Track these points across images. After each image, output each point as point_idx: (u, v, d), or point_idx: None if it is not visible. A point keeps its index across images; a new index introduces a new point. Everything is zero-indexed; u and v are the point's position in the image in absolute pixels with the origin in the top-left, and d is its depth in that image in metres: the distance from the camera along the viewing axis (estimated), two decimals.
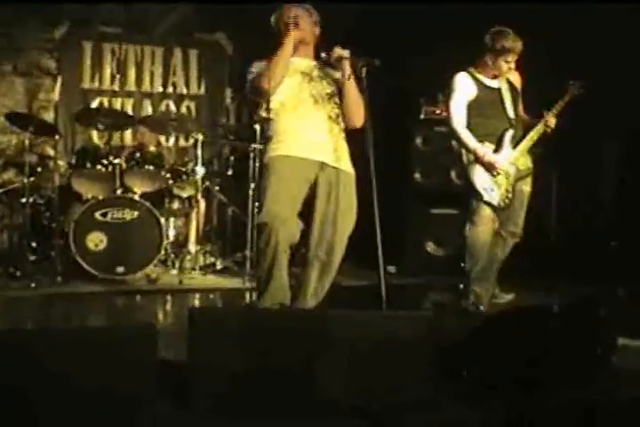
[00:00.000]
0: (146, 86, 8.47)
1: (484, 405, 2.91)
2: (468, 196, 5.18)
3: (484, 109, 5.14)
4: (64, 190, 6.67)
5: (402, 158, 7.08)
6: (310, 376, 2.71)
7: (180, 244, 7.32)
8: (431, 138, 7.07)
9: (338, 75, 4.46)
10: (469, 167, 5.12)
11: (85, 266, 6.23)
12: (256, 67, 4.45)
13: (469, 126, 5.09)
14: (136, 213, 6.47)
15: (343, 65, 4.31)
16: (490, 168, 5.04)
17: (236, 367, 2.71)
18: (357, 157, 4.42)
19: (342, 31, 4.33)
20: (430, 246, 7.14)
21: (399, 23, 6.97)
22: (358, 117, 4.39)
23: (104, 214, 6.38)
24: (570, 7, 6.11)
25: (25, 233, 6.67)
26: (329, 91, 4.47)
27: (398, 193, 6.19)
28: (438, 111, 6.96)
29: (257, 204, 6.36)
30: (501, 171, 5.06)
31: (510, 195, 5.12)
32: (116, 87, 8.35)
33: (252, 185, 6.34)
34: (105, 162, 6.65)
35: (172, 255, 6.97)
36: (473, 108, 5.13)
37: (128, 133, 8.07)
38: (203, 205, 7.23)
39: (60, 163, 6.97)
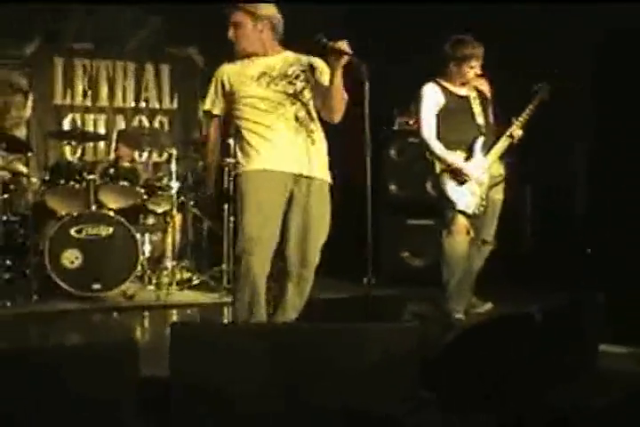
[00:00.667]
0: (118, 102, 8.47)
1: (469, 415, 2.91)
2: (443, 206, 5.18)
3: (453, 118, 5.16)
4: (38, 207, 6.63)
5: (376, 169, 7.08)
6: (297, 391, 2.70)
7: (157, 259, 7.28)
8: (405, 149, 7.09)
9: (304, 66, 4.33)
10: (442, 177, 5.14)
11: (61, 284, 6.17)
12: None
13: (440, 135, 5.12)
14: (111, 230, 6.42)
15: (338, 60, 4.01)
16: (458, 175, 5.06)
17: (220, 384, 2.69)
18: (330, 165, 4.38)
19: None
20: (407, 257, 7.15)
21: (374, 32, 6.99)
22: (339, 113, 4.25)
23: (79, 231, 6.33)
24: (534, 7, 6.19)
25: None
26: (292, 90, 4.29)
27: (374, 204, 6.21)
28: (411, 122, 6.98)
29: (232, 218, 6.40)
30: (473, 178, 5.07)
31: (484, 202, 5.13)
32: (89, 103, 8.33)
33: (228, 199, 6.33)
34: (79, 178, 6.61)
35: (149, 271, 6.93)
36: (442, 117, 5.15)
37: (101, 149, 8.03)
38: (178, 219, 7.21)
39: (34, 180, 6.92)
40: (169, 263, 7.07)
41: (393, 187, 7.18)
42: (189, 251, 7.32)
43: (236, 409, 2.66)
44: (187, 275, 7.05)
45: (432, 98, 5.16)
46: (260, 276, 4.18)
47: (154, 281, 6.85)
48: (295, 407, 2.67)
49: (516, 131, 5.21)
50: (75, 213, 6.43)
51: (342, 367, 2.76)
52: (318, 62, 4.33)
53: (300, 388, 2.69)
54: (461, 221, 5.12)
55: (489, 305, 5.50)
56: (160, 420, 2.73)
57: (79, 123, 8.18)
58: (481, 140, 5.16)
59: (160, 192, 6.97)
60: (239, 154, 4.37)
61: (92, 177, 6.60)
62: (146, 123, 8.48)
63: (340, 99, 4.21)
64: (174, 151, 6.86)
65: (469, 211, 5.09)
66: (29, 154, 7.03)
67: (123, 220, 6.46)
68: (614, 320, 3.91)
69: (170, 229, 7.18)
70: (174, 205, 6.91)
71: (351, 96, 4.22)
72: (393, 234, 7.14)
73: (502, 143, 5.22)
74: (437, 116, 5.15)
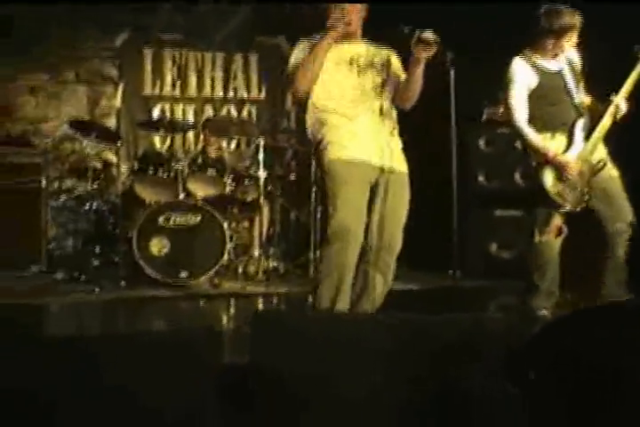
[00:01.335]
0: (207, 92, 8.52)
1: (550, 410, 2.84)
2: (537, 202, 4.72)
3: (547, 98, 4.63)
4: (127, 196, 6.72)
5: (465, 161, 6.98)
6: (375, 381, 2.67)
7: (244, 248, 7.33)
8: (494, 139, 7.00)
9: (383, 58, 4.24)
10: (539, 170, 4.59)
11: (149, 271, 6.25)
12: (297, 53, 4.23)
13: (534, 120, 4.59)
14: (199, 218, 6.48)
15: (426, 50, 3.92)
16: (562, 170, 4.52)
17: (299, 371, 2.68)
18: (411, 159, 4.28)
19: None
20: (494, 249, 7.05)
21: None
22: (412, 101, 4.21)
23: (167, 219, 6.40)
24: None
25: (89, 238, 6.76)
26: (379, 80, 4.20)
27: (462, 196, 6.10)
28: (500, 111, 6.89)
29: (319, 208, 6.38)
30: (575, 172, 4.54)
31: (586, 196, 4.56)
32: (177, 93, 8.41)
33: (314, 189, 6.31)
34: (167, 167, 6.68)
35: (236, 260, 6.97)
36: (535, 97, 4.61)
37: (190, 138, 8.10)
38: (265, 209, 7.23)
39: (123, 169, 7.03)
40: (256, 252, 7.12)
41: (481, 178, 7.08)
42: (276, 240, 7.33)
43: (314, 398, 2.64)
44: (273, 264, 7.07)
45: (523, 77, 4.60)
46: (349, 266, 4.11)
47: (240, 270, 6.89)
48: (375, 396, 2.65)
49: (622, 104, 4.56)
50: (163, 202, 6.50)
51: (424, 359, 2.72)
52: (394, 57, 4.29)
53: (379, 378, 2.67)
54: (556, 220, 4.64)
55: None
56: (240, 407, 2.73)
57: (168, 113, 8.26)
58: (581, 122, 4.62)
59: (247, 181, 7.00)
60: (321, 142, 4.21)
61: (180, 166, 6.66)
62: (234, 112, 8.51)
63: (418, 89, 4.15)
64: (262, 141, 6.88)
65: (567, 208, 4.57)
66: (119, 143, 7.14)
67: (210, 209, 6.50)
68: None
69: (257, 219, 7.22)
70: (262, 194, 6.93)
71: (433, 86, 4.14)
72: (481, 226, 7.05)
73: (605, 123, 4.56)
74: (529, 97, 4.60)
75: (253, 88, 8.65)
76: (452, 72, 3.87)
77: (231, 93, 8.57)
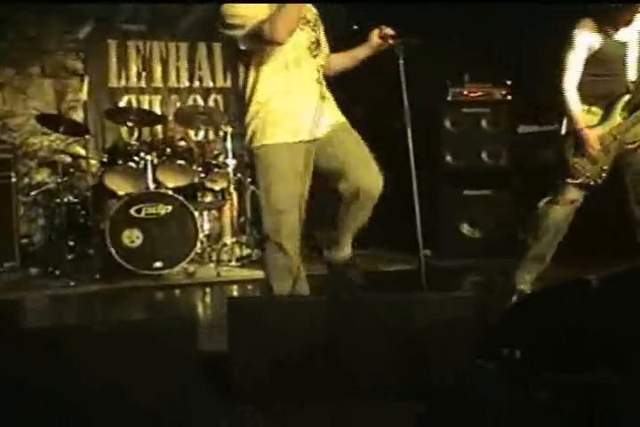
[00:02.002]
0: (172, 82, 8.50)
1: (529, 387, 2.90)
2: (557, 170, 4.62)
3: (602, 67, 4.45)
4: (98, 189, 6.71)
5: (431, 141, 7.03)
6: (353, 361, 2.71)
7: (216, 237, 7.36)
8: (460, 119, 7.04)
9: (314, 15, 3.80)
10: (565, 139, 4.55)
11: (123, 262, 6.25)
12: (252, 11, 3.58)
13: (580, 87, 4.45)
14: (170, 208, 6.48)
15: (381, 43, 3.82)
16: (582, 144, 4.45)
17: (277, 357, 2.72)
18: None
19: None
20: (465, 228, 7.11)
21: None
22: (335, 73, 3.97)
23: (138, 210, 6.40)
24: None
25: (62, 232, 6.76)
26: (313, 39, 3.77)
27: (430, 175, 6.10)
28: (465, 92, 6.95)
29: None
30: (596, 150, 4.45)
31: (605, 173, 4.50)
32: (143, 84, 8.39)
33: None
34: (136, 158, 6.69)
35: (208, 248, 7.00)
36: (591, 64, 4.44)
37: (158, 129, 8.09)
38: (235, 197, 7.25)
39: (92, 162, 7.02)
40: (228, 240, 7.15)
41: (449, 158, 7.12)
42: (248, 227, 7.36)
43: (293, 382, 2.69)
44: (246, 251, 7.10)
45: (584, 41, 4.39)
46: (293, 261, 3.82)
47: (214, 258, 6.92)
48: (350, 379, 2.70)
49: None
50: (134, 193, 6.51)
51: (400, 338, 2.77)
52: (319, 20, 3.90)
53: (357, 359, 2.71)
54: (572, 192, 4.56)
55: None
56: (219, 392, 2.77)
57: (134, 104, 8.23)
58: (625, 98, 4.47)
59: (217, 170, 7.02)
60: (254, 121, 3.77)
61: (149, 157, 6.67)
62: (200, 102, 8.51)
63: (350, 68, 4.00)
64: (229, 129, 6.90)
65: (583, 181, 4.51)
66: (87, 137, 7.13)
67: (181, 198, 6.52)
68: None
69: (228, 207, 7.25)
70: (231, 182, 6.95)
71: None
72: (451, 205, 7.10)
73: None
74: (585, 62, 4.42)
75: (219, 77, 8.64)
76: (402, 61, 3.77)
77: (197, 83, 8.56)
